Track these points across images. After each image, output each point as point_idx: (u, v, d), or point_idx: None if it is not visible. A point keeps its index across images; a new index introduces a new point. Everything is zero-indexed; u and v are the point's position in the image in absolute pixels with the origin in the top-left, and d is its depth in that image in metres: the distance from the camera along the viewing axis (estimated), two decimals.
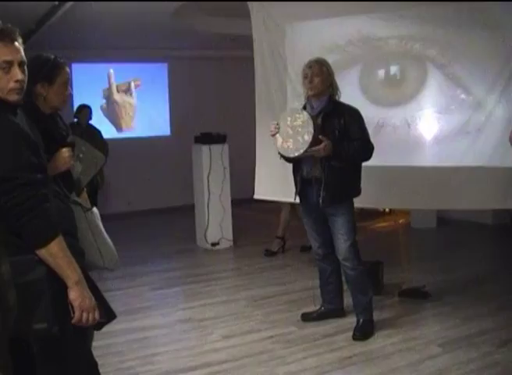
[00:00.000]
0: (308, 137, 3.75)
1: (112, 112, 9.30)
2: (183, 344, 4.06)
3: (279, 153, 3.97)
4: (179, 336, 4.24)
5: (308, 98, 4.04)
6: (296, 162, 4.04)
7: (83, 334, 2.24)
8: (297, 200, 4.16)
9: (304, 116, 3.78)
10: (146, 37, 7.85)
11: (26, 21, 5.93)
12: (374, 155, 3.94)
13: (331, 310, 4.37)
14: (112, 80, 9.22)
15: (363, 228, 6.86)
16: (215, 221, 6.81)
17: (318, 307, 4.42)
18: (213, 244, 6.79)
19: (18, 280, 1.96)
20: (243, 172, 6.79)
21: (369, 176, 4.22)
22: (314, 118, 3.78)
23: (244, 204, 7.79)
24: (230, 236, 6.89)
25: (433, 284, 4.99)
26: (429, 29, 4.63)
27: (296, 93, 5.12)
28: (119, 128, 9.37)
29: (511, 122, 4.35)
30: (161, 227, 8.35)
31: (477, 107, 4.54)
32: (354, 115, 3.97)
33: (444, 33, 4.58)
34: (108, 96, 9.24)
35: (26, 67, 2.11)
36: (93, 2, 5.50)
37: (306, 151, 3.80)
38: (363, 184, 4.05)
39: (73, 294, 2.05)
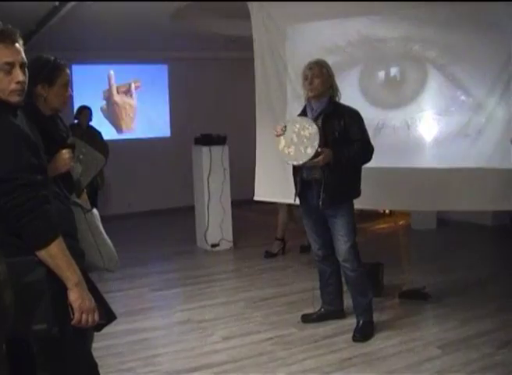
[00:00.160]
0: (311, 151, 3.76)
1: (112, 114, 9.31)
2: (183, 345, 4.06)
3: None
4: (179, 337, 4.24)
5: (308, 100, 4.04)
6: None
7: (83, 335, 2.24)
8: (297, 201, 4.16)
9: (313, 129, 3.77)
10: (146, 39, 7.86)
11: (26, 22, 5.93)
12: (374, 156, 3.95)
13: (331, 311, 4.36)
14: (112, 81, 9.22)
15: (363, 229, 6.87)
16: (215, 222, 6.81)
17: (317, 309, 4.42)
18: (213, 246, 6.79)
19: (18, 280, 1.97)
20: (243, 173, 6.79)
21: (369, 177, 4.22)
22: (321, 133, 3.78)
23: (244, 205, 7.80)
24: (230, 237, 6.89)
25: (433, 286, 4.99)
26: (429, 30, 4.63)
27: (296, 94, 5.12)
28: (119, 129, 9.37)
29: (511, 123, 4.36)
30: (161, 229, 8.35)
31: (477, 109, 4.54)
32: (354, 116, 3.97)
33: (444, 34, 4.58)
34: (108, 97, 9.24)
35: (26, 68, 2.12)
36: (93, 3, 5.50)
37: (305, 163, 3.81)
38: (363, 186, 4.05)
39: (73, 296, 2.05)
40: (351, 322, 4.17)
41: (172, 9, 6.21)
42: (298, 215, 4.36)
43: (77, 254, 2.17)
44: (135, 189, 9.15)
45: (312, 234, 4.21)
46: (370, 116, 4.53)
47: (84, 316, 2.07)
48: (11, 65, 2.05)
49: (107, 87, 9.21)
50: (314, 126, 3.77)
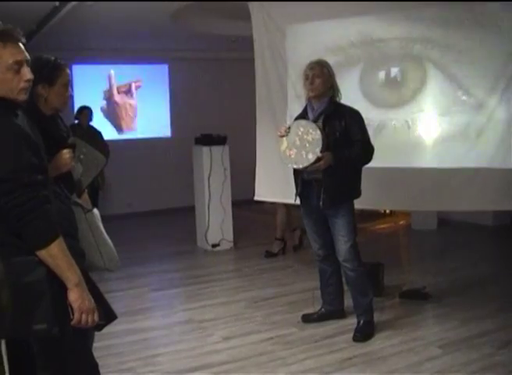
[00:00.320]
0: (312, 157, 3.76)
1: (113, 114, 9.31)
2: (184, 345, 4.06)
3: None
4: (180, 337, 4.24)
5: (309, 100, 4.04)
6: None
7: (83, 335, 2.24)
8: (298, 201, 4.16)
9: (317, 134, 3.77)
10: (146, 39, 7.86)
11: (27, 22, 5.94)
12: (374, 156, 3.95)
13: (331, 311, 4.36)
14: (113, 81, 9.22)
15: (363, 229, 6.86)
16: (216, 222, 6.81)
17: (318, 308, 4.42)
18: (213, 246, 6.80)
19: (18, 280, 1.97)
20: (243, 173, 6.79)
21: (369, 177, 4.22)
22: (324, 139, 3.78)
23: (245, 205, 7.80)
24: (231, 237, 6.89)
25: (433, 286, 4.99)
26: (430, 30, 4.62)
27: (296, 94, 5.12)
28: (119, 129, 9.37)
29: None
30: (161, 228, 8.35)
31: (477, 109, 4.53)
32: (355, 116, 3.97)
33: (445, 34, 4.57)
34: (108, 97, 9.25)
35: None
36: (93, 3, 5.50)
37: (305, 167, 3.82)
38: (363, 186, 4.05)
39: (73, 296, 2.05)
40: (352, 322, 4.18)
41: (172, 9, 6.21)
42: (295, 216, 4.32)
43: (78, 254, 2.17)
44: (135, 189, 9.15)
45: (312, 234, 4.21)
46: (370, 116, 4.54)
47: (84, 317, 2.07)
48: (20, 63, 2.07)
49: (107, 87, 9.22)
50: (318, 132, 3.77)
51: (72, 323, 2.06)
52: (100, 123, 8.32)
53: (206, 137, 6.91)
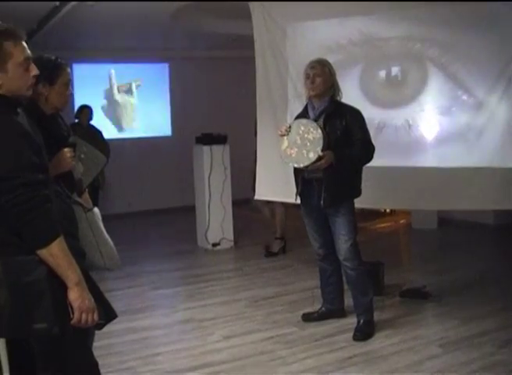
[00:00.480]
0: (313, 156, 3.76)
1: (113, 113, 9.31)
2: (184, 344, 4.06)
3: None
4: (180, 336, 4.24)
5: (310, 99, 4.04)
6: None
7: (84, 334, 2.24)
8: (298, 200, 4.16)
9: (318, 134, 3.77)
10: (147, 38, 7.86)
11: (27, 21, 5.93)
12: (375, 155, 3.95)
13: (331, 310, 4.37)
14: (113, 80, 9.23)
15: (364, 228, 6.85)
16: (216, 221, 6.82)
17: (318, 308, 4.42)
18: (214, 245, 6.80)
19: (18, 280, 1.97)
20: (244, 172, 6.79)
21: (370, 176, 4.22)
22: (325, 138, 3.78)
23: (245, 204, 7.80)
24: (231, 236, 6.89)
25: (434, 285, 4.99)
26: (430, 29, 4.62)
27: (297, 93, 5.12)
28: (120, 128, 9.38)
29: None
30: (161, 228, 8.35)
31: (478, 108, 4.53)
32: (356, 115, 3.97)
33: (445, 33, 4.57)
34: (109, 96, 9.25)
35: None
36: (94, 3, 5.50)
37: (306, 166, 3.82)
38: (364, 185, 4.05)
39: (73, 295, 2.05)
40: (352, 321, 4.18)
41: (172, 9, 6.21)
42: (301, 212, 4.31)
43: (78, 253, 2.17)
44: (136, 188, 9.15)
45: (313, 233, 4.22)
46: (371, 115, 4.53)
47: (84, 316, 2.07)
48: (28, 60, 2.12)
49: (108, 86, 9.22)
50: (319, 132, 3.77)
51: (72, 322, 2.06)
52: (100, 122, 8.32)
53: (206, 136, 6.91)
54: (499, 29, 4.35)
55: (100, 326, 2.29)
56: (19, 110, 2.12)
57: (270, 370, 3.59)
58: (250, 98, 5.98)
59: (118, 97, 9.31)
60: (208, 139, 6.86)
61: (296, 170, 4.06)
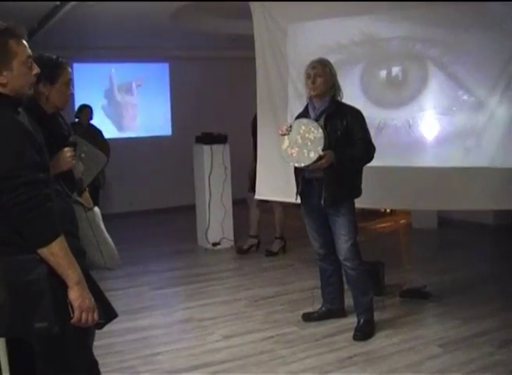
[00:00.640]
0: (314, 156, 3.76)
1: (114, 112, 9.31)
2: (184, 343, 4.06)
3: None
4: (180, 336, 4.24)
5: (310, 99, 4.04)
6: None
7: (84, 334, 2.24)
8: (298, 200, 4.17)
9: (319, 133, 3.77)
10: (147, 37, 7.86)
11: (28, 20, 5.93)
12: (375, 155, 3.95)
13: (332, 310, 4.37)
14: (114, 79, 9.23)
15: (364, 228, 6.87)
16: (216, 221, 6.82)
17: (318, 307, 4.42)
18: (214, 244, 6.80)
19: (19, 279, 1.98)
20: (244, 172, 6.79)
21: (370, 176, 4.22)
22: (326, 138, 3.78)
23: (245, 204, 7.79)
24: (231, 236, 6.89)
25: (434, 285, 4.99)
26: (431, 29, 4.62)
27: (297, 93, 5.12)
28: (120, 128, 9.38)
29: None
30: (162, 227, 8.35)
31: (478, 108, 4.53)
32: (357, 116, 3.97)
33: (445, 33, 4.57)
34: (109, 96, 9.25)
35: None
36: (94, 2, 5.50)
37: (307, 166, 3.82)
38: (364, 185, 4.05)
39: (73, 294, 2.05)
40: (352, 321, 4.18)
41: (172, 8, 6.21)
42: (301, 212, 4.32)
43: (78, 252, 2.17)
44: (136, 187, 9.15)
45: (313, 233, 4.22)
46: (371, 115, 4.52)
47: (84, 315, 2.07)
48: (30, 59, 2.13)
49: (108, 85, 9.22)
50: (320, 131, 3.77)
51: (72, 321, 2.06)
52: (101, 121, 8.33)
53: (207, 135, 6.91)
54: (500, 29, 4.35)
55: (100, 326, 2.29)
56: (19, 109, 2.12)
57: (270, 370, 3.59)
58: (251, 97, 5.98)
59: (118, 96, 9.31)
60: (209, 138, 6.86)
61: (297, 170, 4.06)
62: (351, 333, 4.03)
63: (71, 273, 2.04)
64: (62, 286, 2.04)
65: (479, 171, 4.51)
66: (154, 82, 9.51)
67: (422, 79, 4.75)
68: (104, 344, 3.74)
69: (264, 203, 6.27)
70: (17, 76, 2.08)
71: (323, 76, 3.93)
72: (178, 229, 8.03)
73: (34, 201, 1.96)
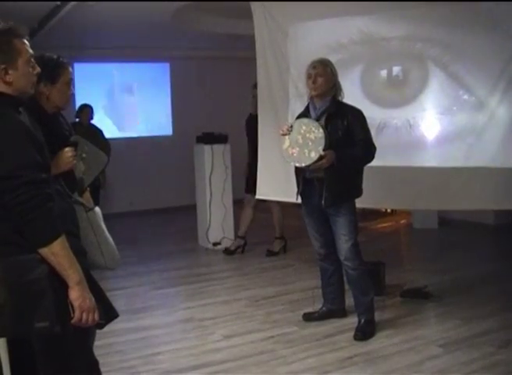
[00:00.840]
0: (315, 156, 3.76)
1: (114, 112, 9.31)
2: (185, 343, 4.06)
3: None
4: (181, 335, 4.24)
5: (311, 99, 4.04)
6: None
7: (84, 333, 2.25)
8: (299, 200, 4.17)
9: (320, 133, 3.76)
10: (148, 37, 7.87)
11: (28, 20, 5.93)
12: (376, 155, 3.95)
13: (332, 310, 4.37)
14: (115, 79, 9.23)
15: (364, 228, 6.87)
16: (217, 221, 6.82)
17: (319, 307, 4.42)
18: (215, 244, 6.80)
19: (20, 278, 1.98)
20: (244, 172, 6.79)
21: (371, 176, 4.22)
22: (327, 138, 3.78)
23: None
24: (232, 236, 6.89)
25: (435, 285, 4.99)
26: (431, 29, 4.62)
27: (298, 93, 5.12)
28: (121, 128, 9.38)
29: None
30: (162, 227, 8.36)
31: (479, 107, 4.53)
32: (358, 116, 3.97)
33: (446, 33, 4.57)
34: (110, 96, 9.25)
35: None
36: (95, 2, 5.51)
37: (308, 166, 3.82)
38: (365, 185, 4.05)
39: (74, 294, 2.05)
40: (353, 321, 4.18)
41: (173, 8, 6.21)
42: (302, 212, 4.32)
43: (79, 252, 2.17)
44: (137, 187, 9.16)
45: (314, 233, 4.21)
46: (372, 115, 4.52)
47: (84, 315, 2.08)
48: (32, 58, 2.14)
49: (109, 85, 9.22)
50: (321, 131, 3.77)
51: (73, 321, 2.07)
52: (101, 121, 8.33)
53: (207, 135, 6.91)
54: (500, 29, 4.34)
55: (101, 326, 2.29)
56: (20, 109, 2.12)
57: (270, 370, 3.59)
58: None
59: (119, 96, 9.31)
60: (209, 138, 6.86)
61: (298, 170, 4.06)
62: (352, 333, 4.02)
63: (72, 273, 2.04)
64: (63, 286, 2.05)
65: (479, 171, 4.51)
66: (155, 82, 9.52)
67: (423, 78, 4.75)
68: (104, 343, 3.75)
69: (261, 203, 6.27)
70: (22, 76, 2.10)
71: (324, 76, 3.93)
72: (179, 229, 8.03)
73: (35, 201, 1.97)
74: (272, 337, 4.11)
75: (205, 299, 5.02)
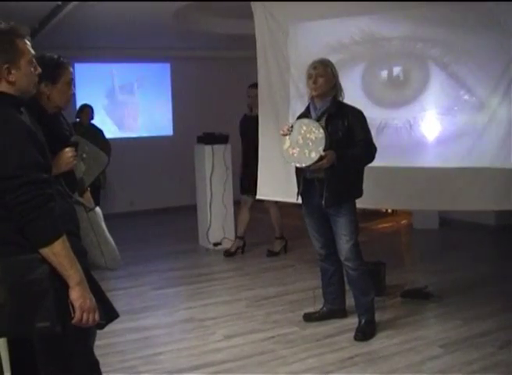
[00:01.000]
0: (315, 156, 3.75)
1: (115, 112, 9.31)
2: (185, 343, 4.06)
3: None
4: (181, 336, 4.24)
5: (311, 99, 4.04)
6: None
7: (85, 333, 2.25)
8: (299, 200, 4.17)
9: (320, 133, 3.76)
10: (149, 38, 7.86)
11: (29, 21, 5.93)
12: (376, 155, 3.94)
13: (333, 310, 4.37)
14: (115, 79, 9.23)
15: (365, 229, 6.86)
16: (218, 221, 6.82)
17: (319, 307, 4.42)
18: (215, 244, 6.80)
19: (21, 278, 1.98)
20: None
21: (371, 176, 4.23)
22: (328, 139, 3.78)
23: None
24: (232, 236, 6.88)
25: (435, 285, 4.99)
26: (432, 29, 4.62)
27: (299, 93, 5.12)
28: (121, 128, 9.38)
29: None
30: (163, 227, 8.36)
31: (480, 108, 4.53)
32: (358, 116, 3.97)
33: (447, 33, 4.57)
34: (110, 96, 9.25)
35: None
36: (95, 2, 5.51)
37: (308, 166, 3.82)
38: (365, 185, 4.05)
39: (75, 295, 2.06)
40: (353, 321, 4.18)
41: (174, 8, 6.21)
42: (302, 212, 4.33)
43: (79, 253, 2.17)
44: (137, 187, 9.16)
45: (314, 233, 4.21)
46: (372, 115, 4.52)
47: (85, 316, 2.08)
48: (33, 58, 2.15)
49: (109, 85, 9.22)
50: (321, 131, 3.77)
51: (73, 321, 2.07)
52: (102, 121, 8.33)
53: (208, 135, 6.91)
54: (501, 29, 4.35)
55: (101, 326, 2.29)
56: (22, 109, 2.13)
57: (271, 370, 3.59)
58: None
59: (119, 96, 9.31)
60: (210, 138, 6.86)
61: (298, 170, 4.06)
62: (352, 334, 4.02)
63: (72, 273, 2.04)
64: (64, 286, 2.05)
65: (480, 171, 4.51)
66: (156, 82, 9.51)
67: (423, 79, 4.75)
68: (105, 343, 3.75)
69: (259, 203, 6.27)
70: (24, 75, 2.10)
71: (324, 77, 3.93)
72: (179, 229, 8.03)
73: (36, 201, 1.97)
74: (273, 337, 4.11)
75: (206, 299, 5.02)
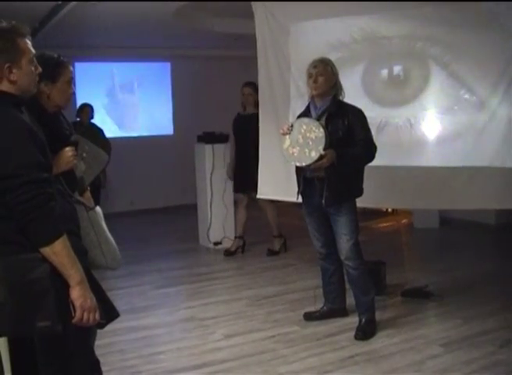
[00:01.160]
0: (315, 155, 3.75)
1: (115, 111, 9.31)
2: (185, 343, 4.06)
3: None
4: (182, 335, 4.25)
5: (312, 98, 4.04)
6: None
7: (85, 333, 2.25)
8: (300, 199, 4.17)
9: (320, 132, 3.76)
10: (149, 37, 7.86)
11: (29, 20, 5.93)
12: (376, 155, 3.94)
13: (333, 310, 4.37)
14: (115, 78, 9.23)
15: (365, 228, 6.86)
16: (218, 220, 6.82)
17: (319, 307, 4.42)
18: (215, 244, 6.80)
19: (22, 278, 1.98)
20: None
21: (372, 176, 4.22)
22: (328, 138, 3.77)
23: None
24: (233, 235, 6.87)
25: (435, 284, 4.99)
26: (432, 28, 4.61)
27: (299, 92, 5.12)
28: (121, 127, 9.38)
29: None
30: (163, 226, 8.35)
31: (480, 107, 4.52)
32: (358, 115, 3.97)
33: (447, 32, 4.57)
34: (111, 95, 9.25)
35: None
36: (96, 2, 5.50)
37: (308, 165, 3.82)
38: (365, 184, 4.05)
39: (75, 294, 2.06)
40: (353, 320, 4.18)
41: (174, 7, 6.21)
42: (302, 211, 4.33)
43: (80, 252, 2.17)
44: (137, 187, 9.16)
45: (314, 232, 4.21)
46: (373, 114, 4.52)
47: (85, 315, 2.08)
48: (34, 57, 2.14)
49: (110, 84, 9.22)
50: (321, 130, 3.76)
51: (74, 321, 2.07)
52: (102, 120, 8.33)
53: (208, 135, 6.91)
54: (501, 29, 4.34)
55: (101, 326, 2.29)
56: (22, 108, 2.13)
57: (271, 369, 3.59)
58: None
59: (120, 95, 9.31)
60: (210, 138, 6.86)
61: (298, 169, 4.06)
62: (353, 333, 4.03)
63: (73, 273, 2.05)
64: (65, 285, 2.05)
65: (480, 170, 4.51)
66: (156, 81, 9.51)
67: (424, 78, 4.75)
68: (105, 343, 3.75)
69: (255, 202, 6.27)
70: (25, 75, 2.11)
71: (325, 76, 3.92)
72: (179, 228, 8.03)
73: (37, 200, 1.97)
74: (273, 336, 4.11)
75: (206, 299, 5.02)
